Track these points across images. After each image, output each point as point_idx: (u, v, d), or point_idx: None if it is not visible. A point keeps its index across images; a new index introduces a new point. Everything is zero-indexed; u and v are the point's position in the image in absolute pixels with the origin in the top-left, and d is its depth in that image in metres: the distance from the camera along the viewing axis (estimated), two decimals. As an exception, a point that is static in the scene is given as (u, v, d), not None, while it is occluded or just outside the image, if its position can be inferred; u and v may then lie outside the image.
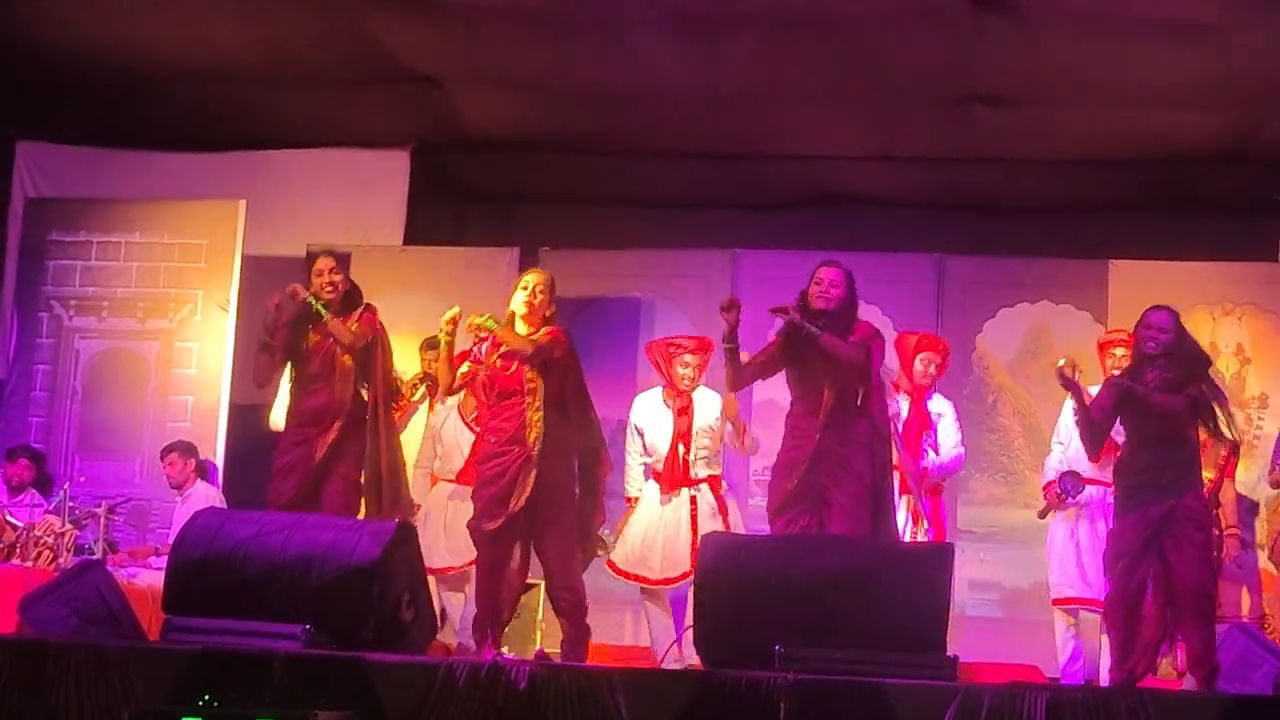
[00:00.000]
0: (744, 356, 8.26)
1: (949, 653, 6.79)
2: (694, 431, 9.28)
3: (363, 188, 12.56)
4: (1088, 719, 5.94)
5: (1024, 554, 10.67)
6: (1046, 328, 11.47)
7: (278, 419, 9.66)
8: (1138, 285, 11.27)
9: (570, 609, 8.19)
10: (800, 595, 6.82)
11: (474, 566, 8.52)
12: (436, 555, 9.47)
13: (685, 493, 9.25)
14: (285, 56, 11.42)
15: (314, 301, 8.60)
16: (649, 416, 9.39)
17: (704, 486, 9.30)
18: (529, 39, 10.88)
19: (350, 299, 8.78)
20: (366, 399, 8.69)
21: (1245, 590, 10.05)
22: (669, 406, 9.28)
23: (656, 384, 9.48)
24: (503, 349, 8.21)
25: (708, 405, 9.38)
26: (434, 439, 9.90)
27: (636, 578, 9.23)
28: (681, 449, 9.25)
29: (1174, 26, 10.15)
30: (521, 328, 8.24)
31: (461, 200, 13.65)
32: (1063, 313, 11.56)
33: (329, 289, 8.68)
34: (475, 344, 8.54)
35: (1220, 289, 11.30)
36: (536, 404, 8.10)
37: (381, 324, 8.81)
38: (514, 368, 8.16)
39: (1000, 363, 11.57)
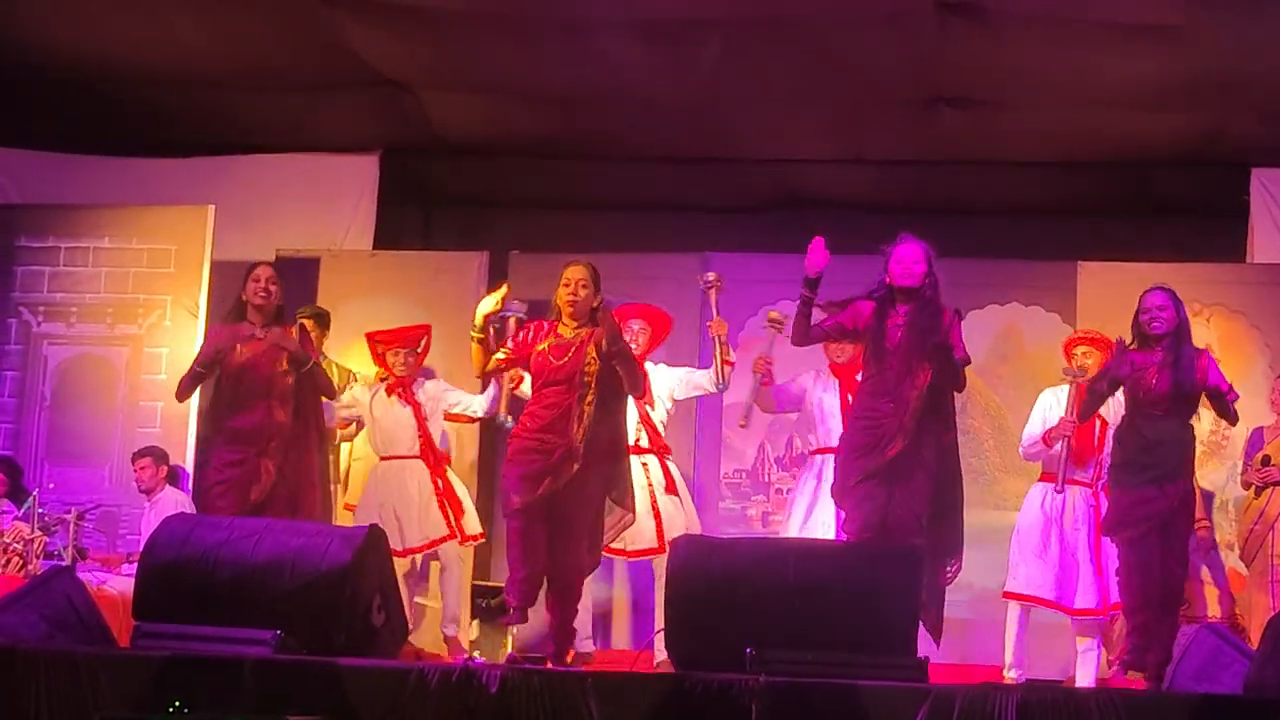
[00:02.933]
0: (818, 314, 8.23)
1: (919, 654, 6.81)
2: (654, 400, 9.34)
3: (331, 192, 12.54)
4: (1058, 719, 5.96)
5: (994, 555, 10.65)
6: (1015, 329, 11.49)
7: None
8: (1106, 286, 11.30)
9: (563, 607, 8.10)
10: (771, 598, 6.83)
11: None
12: None
13: (634, 461, 9.24)
14: (253, 61, 11.41)
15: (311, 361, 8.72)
16: None
17: (652, 457, 9.32)
18: (497, 43, 10.88)
19: (279, 314, 8.72)
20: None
21: (1215, 590, 10.10)
22: None
23: None
24: (554, 339, 8.16)
25: (663, 379, 9.43)
26: (375, 425, 9.95)
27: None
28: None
29: (1138, 29, 10.19)
30: (567, 326, 8.21)
31: (431, 204, 13.66)
32: (1032, 314, 11.57)
33: (261, 295, 8.62)
34: (515, 332, 8.43)
35: (1188, 290, 11.27)
36: (590, 397, 8.03)
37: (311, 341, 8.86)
38: (567, 358, 8.11)
39: (970, 365, 11.57)
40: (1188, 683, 7.49)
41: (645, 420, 9.38)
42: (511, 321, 8.50)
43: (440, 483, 9.85)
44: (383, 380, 10.05)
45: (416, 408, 9.88)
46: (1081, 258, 11.53)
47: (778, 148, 12.28)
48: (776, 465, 11.59)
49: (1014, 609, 9.16)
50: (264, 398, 8.52)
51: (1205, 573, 10.00)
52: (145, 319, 11.85)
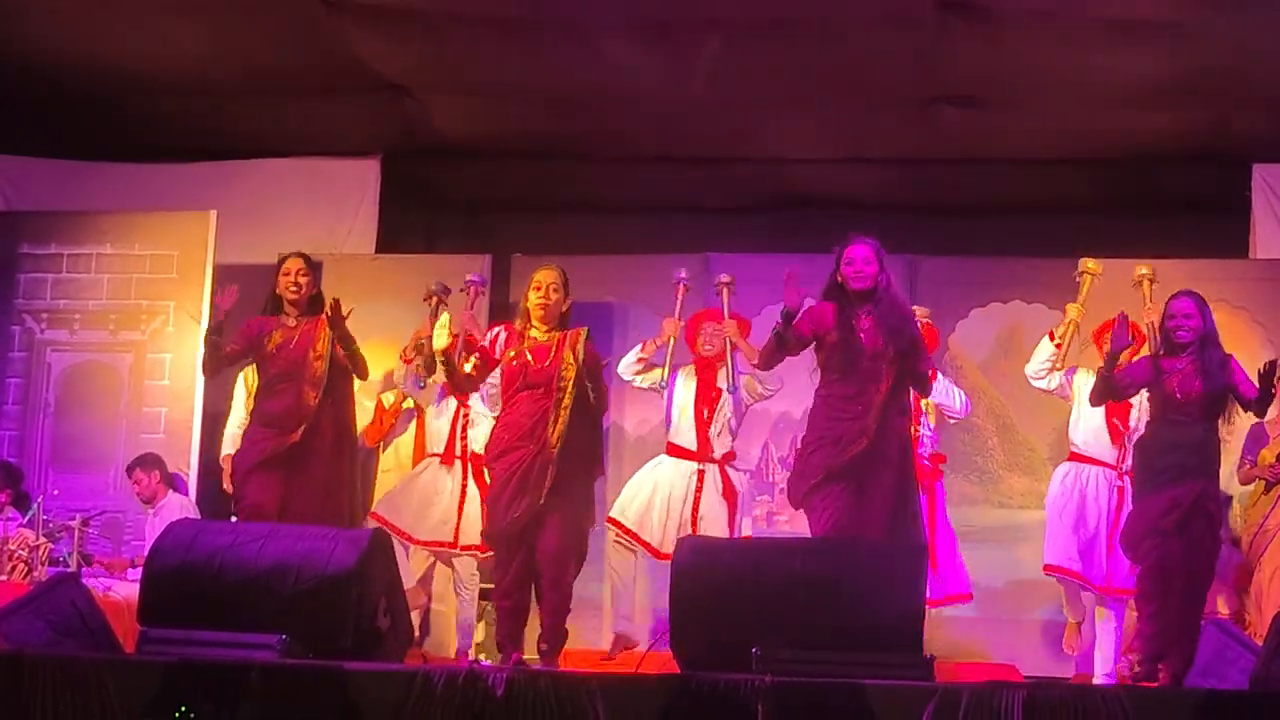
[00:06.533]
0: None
1: (925, 652, 6.81)
2: (719, 405, 9.40)
3: (334, 196, 12.56)
4: (1065, 716, 5.96)
5: (999, 553, 10.71)
6: (1019, 327, 11.48)
7: (229, 448, 9.74)
8: (1109, 283, 11.30)
9: (555, 608, 8.21)
10: (776, 597, 6.81)
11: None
12: None
13: (692, 469, 9.32)
14: (254, 66, 11.42)
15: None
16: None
17: (713, 467, 9.38)
18: (498, 45, 10.88)
19: (314, 303, 8.79)
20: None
21: (1221, 585, 10.09)
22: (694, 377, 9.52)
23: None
24: (530, 341, 8.19)
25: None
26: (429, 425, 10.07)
27: (639, 539, 9.26)
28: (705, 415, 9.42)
29: (1139, 25, 10.20)
30: (539, 330, 8.21)
31: (433, 208, 13.66)
32: (1035, 312, 11.56)
33: (292, 289, 8.69)
34: (488, 338, 8.45)
35: (1190, 286, 11.28)
36: (566, 401, 8.06)
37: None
38: (548, 361, 8.12)
39: (973, 363, 11.58)
40: (1194, 678, 7.49)
41: (700, 426, 9.41)
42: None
43: (471, 487, 9.90)
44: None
45: (461, 411, 9.94)
46: (1084, 255, 11.52)
47: (779, 148, 12.28)
48: (780, 465, 11.59)
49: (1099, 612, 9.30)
50: (295, 381, 8.57)
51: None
52: (148, 325, 11.86)
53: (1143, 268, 9.52)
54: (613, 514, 9.41)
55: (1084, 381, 9.50)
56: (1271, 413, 10.03)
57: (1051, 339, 9.54)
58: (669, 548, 9.20)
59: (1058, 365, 9.44)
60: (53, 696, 6.29)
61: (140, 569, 7.87)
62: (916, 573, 7.04)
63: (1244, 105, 11.26)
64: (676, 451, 9.47)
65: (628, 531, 9.33)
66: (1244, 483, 9.98)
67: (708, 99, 11.48)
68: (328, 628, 6.91)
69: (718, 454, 9.46)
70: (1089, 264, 9.57)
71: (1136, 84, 10.93)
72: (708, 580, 6.99)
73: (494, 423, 8.49)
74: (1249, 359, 10.94)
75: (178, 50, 11.16)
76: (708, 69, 10.98)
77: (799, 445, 8.38)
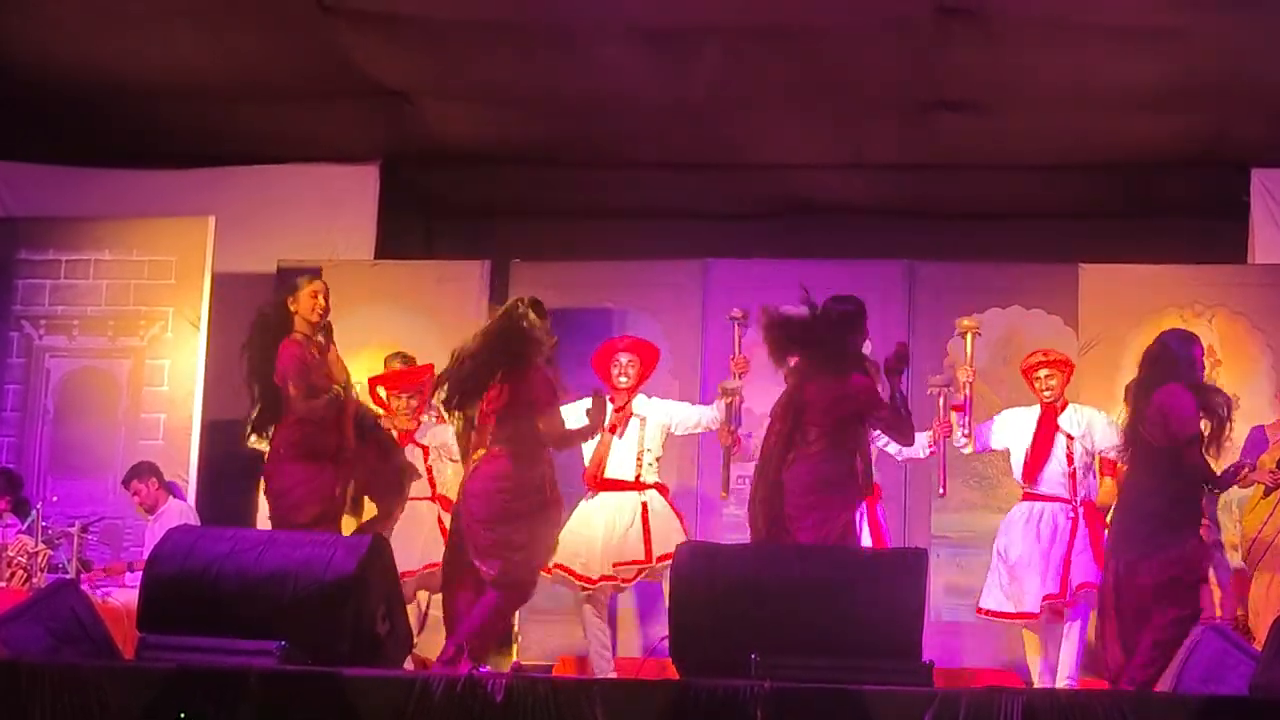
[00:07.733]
0: None
1: (925, 658, 6.81)
2: (645, 436, 9.30)
3: (332, 202, 12.54)
4: (1064, 722, 5.97)
5: (999, 558, 10.67)
6: (1018, 333, 11.47)
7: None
8: (1108, 289, 11.33)
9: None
10: (776, 603, 6.82)
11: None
12: None
13: (635, 497, 9.22)
14: (253, 72, 11.41)
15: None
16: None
17: (652, 492, 9.28)
18: (496, 52, 10.88)
19: (327, 330, 8.54)
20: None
21: (1219, 591, 10.08)
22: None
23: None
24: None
25: (657, 412, 9.39)
26: None
27: (581, 577, 9.13)
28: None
29: (1138, 31, 10.20)
30: None
31: (431, 213, 13.65)
32: (1034, 317, 11.57)
33: (320, 312, 8.40)
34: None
35: (1190, 291, 11.34)
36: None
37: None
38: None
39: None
40: (1193, 684, 7.47)
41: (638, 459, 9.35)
42: None
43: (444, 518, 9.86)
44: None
45: (425, 451, 9.83)
46: (1083, 260, 11.54)
47: (778, 153, 12.28)
48: (780, 469, 11.57)
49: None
50: (336, 414, 8.30)
51: (1210, 574, 9.98)
52: (147, 331, 11.85)
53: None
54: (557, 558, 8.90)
55: (1002, 424, 9.50)
56: (1272, 417, 10.04)
57: (957, 410, 9.34)
58: (597, 574, 9.14)
59: (966, 431, 9.33)
60: (52, 702, 6.30)
61: (139, 575, 7.87)
62: (916, 579, 7.05)
63: (1243, 110, 11.26)
64: (610, 485, 9.31)
65: (569, 572, 9.11)
66: (1243, 487, 9.95)
67: (707, 105, 11.48)
68: (327, 634, 6.92)
69: (650, 481, 9.33)
70: (964, 322, 9.37)
71: (1135, 89, 10.93)
72: (707, 586, 6.99)
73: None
74: (1248, 363, 11.01)
75: (176, 56, 11.15)
76: (707, 75, 10.98)
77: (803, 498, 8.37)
